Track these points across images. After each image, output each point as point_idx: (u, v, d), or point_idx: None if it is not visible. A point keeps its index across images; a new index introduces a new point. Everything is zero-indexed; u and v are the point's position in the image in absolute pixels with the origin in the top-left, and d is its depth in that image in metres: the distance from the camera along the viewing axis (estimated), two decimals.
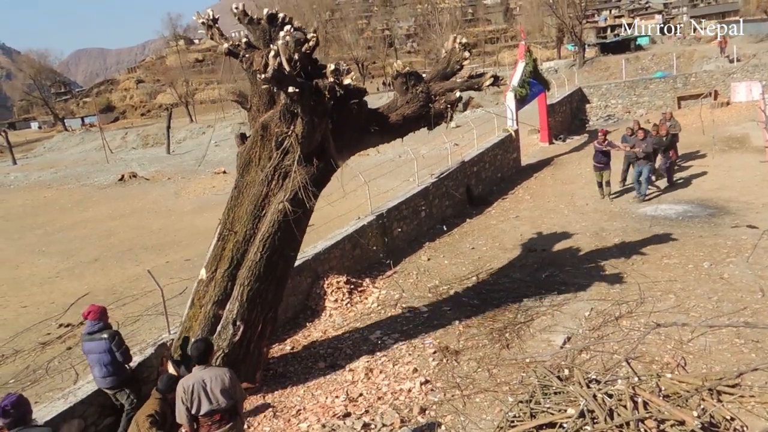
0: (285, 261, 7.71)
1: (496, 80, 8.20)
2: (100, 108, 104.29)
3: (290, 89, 6.36)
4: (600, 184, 15.61)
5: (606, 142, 15.39)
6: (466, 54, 8.40)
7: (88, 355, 6.63)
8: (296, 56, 6.36)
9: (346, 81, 7.02)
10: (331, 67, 6.94)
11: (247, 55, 7.27)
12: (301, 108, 6.81)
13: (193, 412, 5.20)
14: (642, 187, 14.99)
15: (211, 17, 7.63)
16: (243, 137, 8.18)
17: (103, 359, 6.50)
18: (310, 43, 6.78)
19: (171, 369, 7.19)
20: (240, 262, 7.43)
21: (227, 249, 7.58)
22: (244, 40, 7.31)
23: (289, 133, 7.30)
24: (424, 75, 8.69)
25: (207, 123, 66.36)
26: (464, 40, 8.45)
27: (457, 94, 8.13)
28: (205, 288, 7.49)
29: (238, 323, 7.19)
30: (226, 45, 7.33)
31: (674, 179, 16.06)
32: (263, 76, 6.29)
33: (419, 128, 8.45)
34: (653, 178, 15.83)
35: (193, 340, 6.23)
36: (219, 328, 7.24)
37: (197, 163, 32.25)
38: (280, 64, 6.20)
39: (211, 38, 7.73)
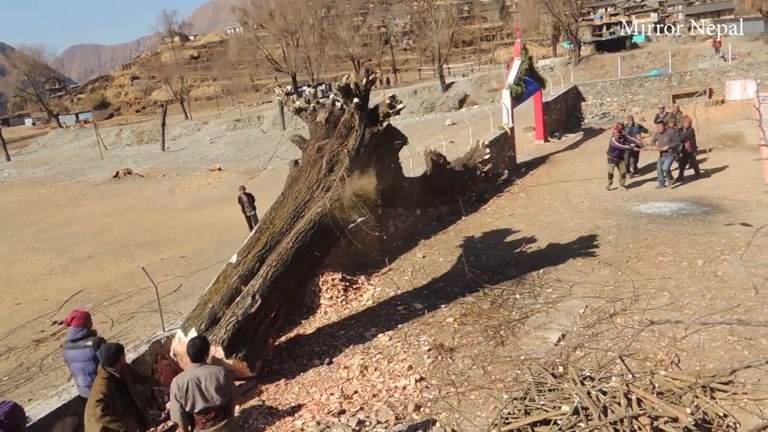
0: (311, 260, 8.37)
1: (510, 177, 9.84)
2: (94, 104, 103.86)
3: (355, 99, 8.40)
4: (610, 175, 16.14)
5: (621, 138, 15.94)
6: (487, 151, 10.18)
7: (71, 363, 6.31)
8: (363, 81, 8.55)
9: (399, 106, 8.97)
10: (389, 93, 8.98)
11: (313, 111, 9.35)
12: (359, 119, 8.61)
13: (188, 409, 5.21)
14: (661, 177, 15.67)
15: (288, 90, 10.06)
16: (296, 162, 9.57)
17: (87, 368, 6.19)
18: (375, 75, 8.94)
19: (177, 341, 7.39)
20: (272, 248, 8.19)
21: (262, 238, 8.41)
22: (313, 103, 9.36)
23: (343, 145, 8.73)
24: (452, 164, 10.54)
25: (202, 120, 66.21)
26: (487, 142, 10.14)
27: (478, 172, 9.89)
28: (234, 269, 8.09)
29: (257, 297, 7.61)
30: (297, 103, 9.50)
31: (684, 174, 16.34)
32: (337, 84, 8.50)
33: (441, 202, 10.02)
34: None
35: (190, 338, 6.24)
36: (238, 298, 7.69)
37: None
38: (349, 83, 8.54)
39: (285, 104, 9.96)
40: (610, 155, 15.98)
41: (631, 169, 16.98)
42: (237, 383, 7.75)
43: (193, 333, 7.25)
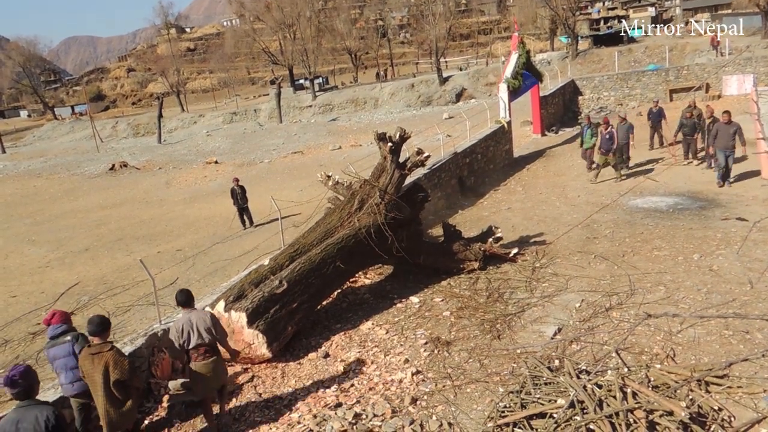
0: (334, 271, 9.18)
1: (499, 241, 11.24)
2: (90, 97, 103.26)
3: (389, 144, 10.21)
4: (599, 166, 16.59)
5: (609, 127, 16.37)
6: (499, 232, 11.29)
7: (54, 362, 6.17)
8: (397, 138, 10.29)
9: (426, 154, 10.71)
10: (415, 149, 10.78)
11: (349, 186, 11.10)
12: (391, 161, 10.25)
13: (184, 345, 6.36)
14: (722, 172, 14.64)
15: (327, 175, 11.74)
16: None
17: (69, 363, 6.05)
18: (407, 136, 10.43)
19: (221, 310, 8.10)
20: (302, 253, 9.31)
21: (295, 245, 9.65)
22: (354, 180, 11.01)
23: (375, 184, 10.28)
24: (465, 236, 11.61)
25: (199, 112, 66.06)
26: (499, 232, 11.33)
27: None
28: (265, 269, 9.00)
29: (283, 282, 8.44)
30: (330, 182, 11.60)
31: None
32: (376, 131, 10.55)
33: (452, 267, 10.80)
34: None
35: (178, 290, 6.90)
36: (266, 281, 8.58)
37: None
38: (386, 133, 10.48)
39: (325, 184, 11.79)
40: (603, 148, 16.32)
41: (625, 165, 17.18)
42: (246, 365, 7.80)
43: (221, 305, 8.14)
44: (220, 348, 6.68)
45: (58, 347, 6.12)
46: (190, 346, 6.35)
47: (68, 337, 6.13)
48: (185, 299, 6.57)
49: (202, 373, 6.41)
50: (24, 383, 4.65)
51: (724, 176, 14.59)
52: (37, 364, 9.45)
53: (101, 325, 5.68)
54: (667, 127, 19.34)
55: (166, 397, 7.37)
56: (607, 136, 16.25)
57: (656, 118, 19.53)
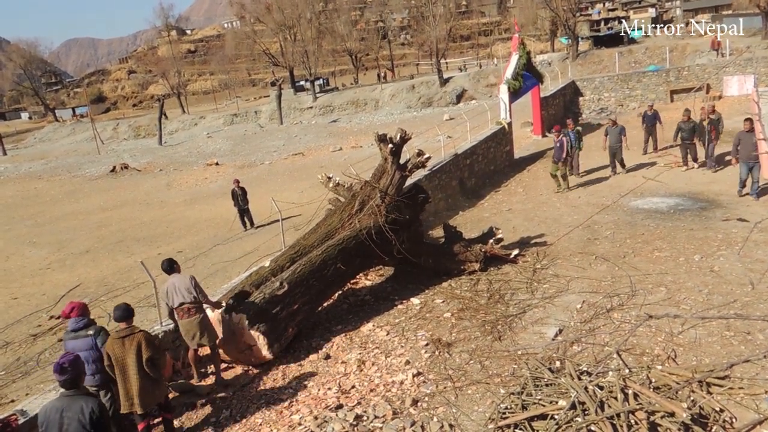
0: (335, 272, 9.18)
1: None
2: (91, 98, 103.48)
3: (390, 145, 10.16)
4: (555, 176, 16.16)
5: (561, 135, 15.72)
6: (500, 233, 11.24)
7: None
8: (397, 140, 10.24)
9: (426, 155, 10.70)
10: (416, 150, 10.76)
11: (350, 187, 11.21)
12: (392, 162, 10.25)
13: (170, 305, 7.43)
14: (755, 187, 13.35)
15: (328, 176, 11.78)
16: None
17: (90, 356, 6.21)
18: (407, 137, 10.42)
19: (214, 315, 8.18)
20: (303, 255, 9.41)
21: (295, 247, 9.79)
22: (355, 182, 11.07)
23: (375, 186, 10.32)
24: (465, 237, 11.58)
25: (199, 114, 66.13)
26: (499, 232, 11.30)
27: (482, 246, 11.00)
28: (266, 271, 9.16)
29: (284, 283, 8.46)
30: (331, 184, 11.61)
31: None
32: (376, 133, 10.51)
33: (452, 268, 10.78)
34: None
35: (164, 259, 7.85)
36: (267, 283, 8.67)
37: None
38: (386, 134, 10.42)
39: (325, 186, 11.77)
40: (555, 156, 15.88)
41: (622, 166, 17.19)
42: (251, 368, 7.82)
43: (222, 305, 8.23)
44: (207, 308, 7.72)
45: (80, 340, 6.29)
46: (175, 305, 7.42)
47: (91, 331, 6.33)
48: (168, 266, 7.61)
49: (188, 329, 7.49)
50: (73, 372, 4.76)
51: (745, 184, 13.51)
52: (38, 366, 9.46)
53: (127, 311, 6.17)
54: (662, 131, 19.26)
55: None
56: (558, 144, 15.72)
57: (651, 121, 19.26)
